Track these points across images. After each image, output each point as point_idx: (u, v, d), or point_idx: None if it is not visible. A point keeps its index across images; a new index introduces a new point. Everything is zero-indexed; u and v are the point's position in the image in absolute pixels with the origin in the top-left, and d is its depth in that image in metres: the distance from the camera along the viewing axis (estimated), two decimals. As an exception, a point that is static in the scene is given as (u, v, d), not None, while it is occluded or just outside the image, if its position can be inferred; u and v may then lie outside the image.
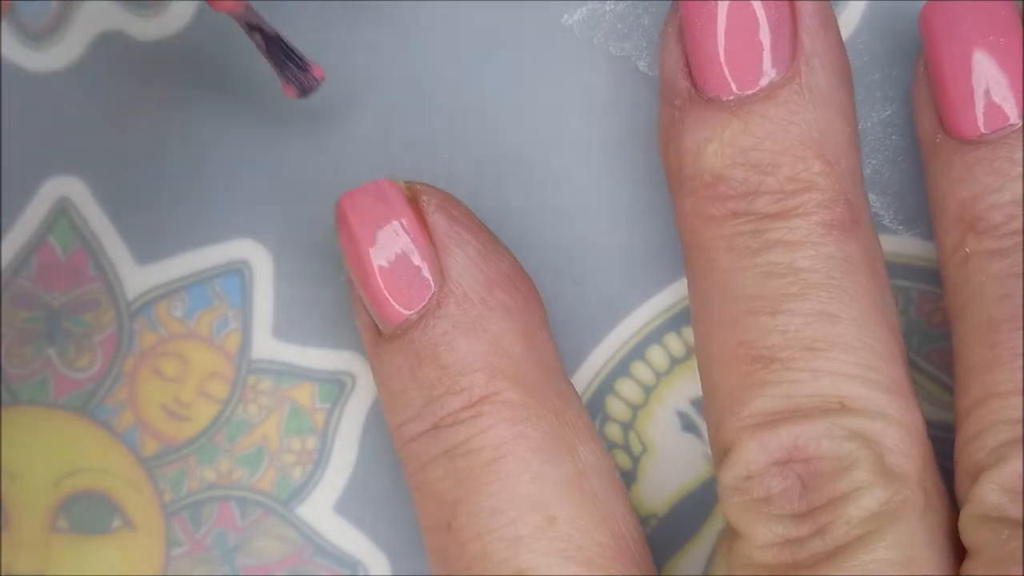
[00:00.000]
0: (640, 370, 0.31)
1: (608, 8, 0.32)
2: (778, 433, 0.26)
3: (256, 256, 0.32)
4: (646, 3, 0.32)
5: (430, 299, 0.28)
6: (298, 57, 0.29)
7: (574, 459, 0.28)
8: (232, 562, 0.31)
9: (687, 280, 0.28)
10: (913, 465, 0.27)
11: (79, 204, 0.32)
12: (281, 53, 0.29)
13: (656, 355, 0.32)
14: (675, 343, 0.31)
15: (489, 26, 0.32)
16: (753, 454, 0.26)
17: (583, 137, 0.32)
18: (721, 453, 0.27)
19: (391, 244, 0.28)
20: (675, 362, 0.32)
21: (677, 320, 0.32)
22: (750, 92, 0.27)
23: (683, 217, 0.28)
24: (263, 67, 0.32)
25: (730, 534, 0.27)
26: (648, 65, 0.32)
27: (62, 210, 0.32)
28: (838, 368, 0.27)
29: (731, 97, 0.27)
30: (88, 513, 0.31)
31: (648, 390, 0.31)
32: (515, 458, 0.27)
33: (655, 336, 0.32)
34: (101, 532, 0.31)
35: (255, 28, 0.28)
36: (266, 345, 0.32)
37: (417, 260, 0.28)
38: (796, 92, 0.28)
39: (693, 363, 0.31)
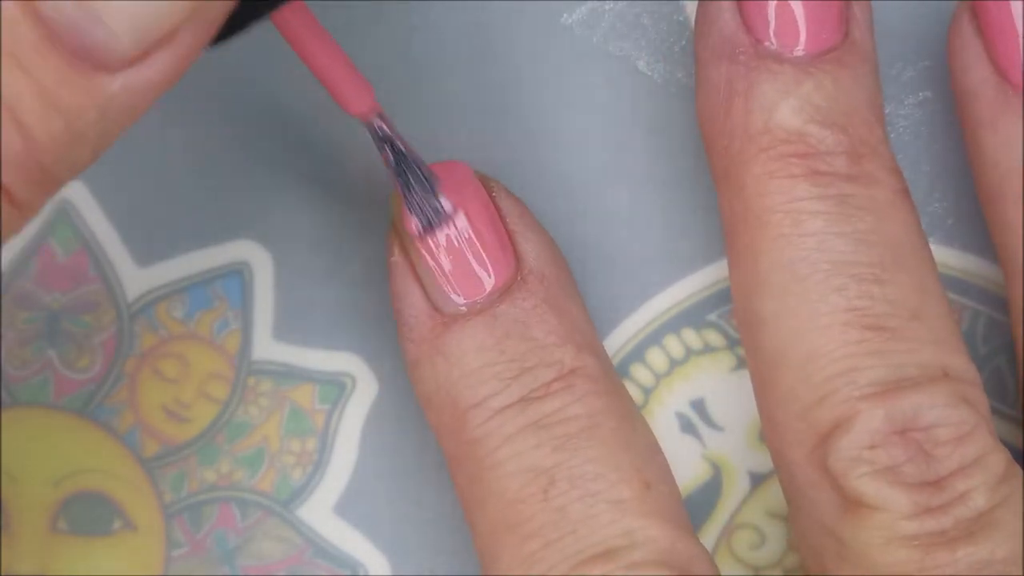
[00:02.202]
0: (639, 372, 0.31)
1: (608, 8, 0.32)
2: (902, 402, 0.26)
3: (256, 257, 0.32)
4: (645, 3, 0.32)
5: (512, 278, 0.28)
6: (429, 183, 0.28)
7: (647, 430, 0.28)
8: (232, 563, 0.31)
9: (749, 252, 0.28)
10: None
11: (80, 206, 0.32)
12: (409, 174, 0.28)
13: (656, 357, 0.32)
14: (675, 345, 0.32)
15: (489, 25, 0.32)
16: (879, 423, 0.26)
17: (582, 137, 0.32)
18: (830, 425, 0.27)
19: (482, 217, 0.28)
20: (675, 364, 0.32)
21: (677, 322, 0.32)
22: (802, 55, 0.27)
23: (752, 177, 0.28)
24: (263, 68, 0.32)
25: (848, 509, 0.26)
26: (647, 64, 0.32)
27: (63, 212, 0.32)
28: (938, 337, 0.27)
29: (801, 54, 0.27)
30: (88, 514, 0.31)
31: (647, 392, 0.31)
32: (608, 427, 0.27)
33: (655, 338, 0.32)
34: (101, 533, 0.31)
35: (386, 140, 0.27)
36: (266, 346, 0.32)
37: (503, 236, 0.28)
38: (860, 56, 0.28)
39: (693, 365, 0.32)
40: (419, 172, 0.28)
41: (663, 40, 0.32)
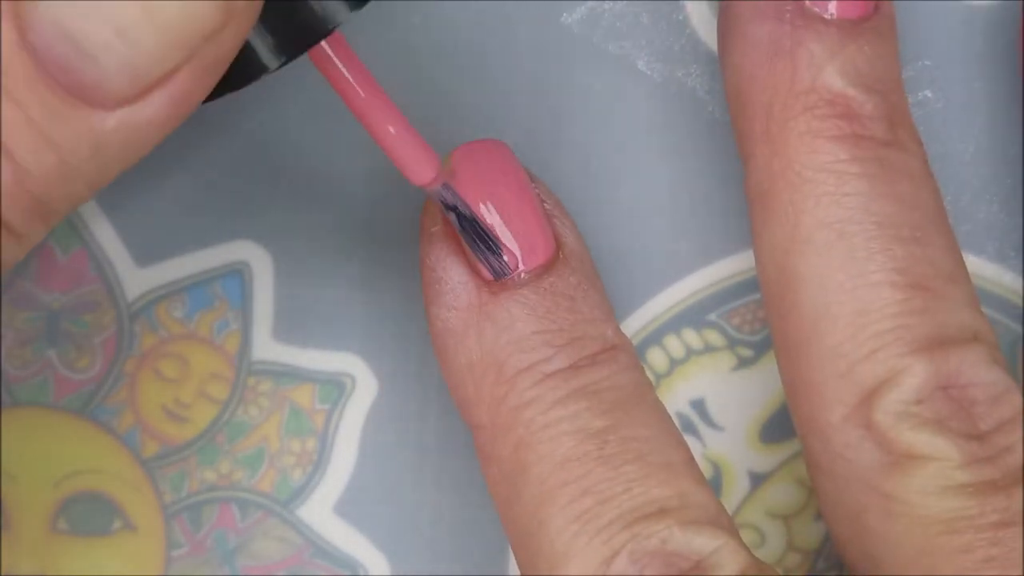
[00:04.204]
0: (639, 372, 0.31)
1: (607, 7, 0.32)
2: (947, 359, 0.27)
3: (256, 257, 0.32)
4: (645, 2, 0.32)
5: (555, 254, 0.28)
6: (492, 242, 0.28)
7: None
8: (232, 563, 0.31)
9: (787, 213, 0.28)
10: None
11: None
12: (475, 236, 0.28)
13: (656, 357, 0.32)
14: (675, 345, 0.32)
15: (488, 25, 0.32)
16: (926, 378, 0.27)
17: (581, 136, 0.32)
18: (878, 380, 0.27)
19: (528, 197, 0.29)
20: (675, 363, 0.32)
21: (677, 322, 0.32)
22: (850, 18, 0.28)
23: (796, 135, 0.28)
24: (262, 68, 0.32)
25: (896, 463, 0.27)
26: (647, 64, 0.32)
27: (62, 211, 0.32)
28: (970, 300, 0.28)
29: (852, 18, 0.28)
30: (88, 514, 0.31)
31: (647, 391, 0.31)
32: (652, 397, 0.28)
33: (655, 338, 0.32)
34: (101, 533, 0.32)
35: (451, 208, 0.28)
36: (266, 346, 0.32)
37: (543, 217, 0.29)
38: (891, 29, 0.28)
39: (693, 365, 0.32)
40: (484, 236, 0.28)
41: (663, 39, 0.32)
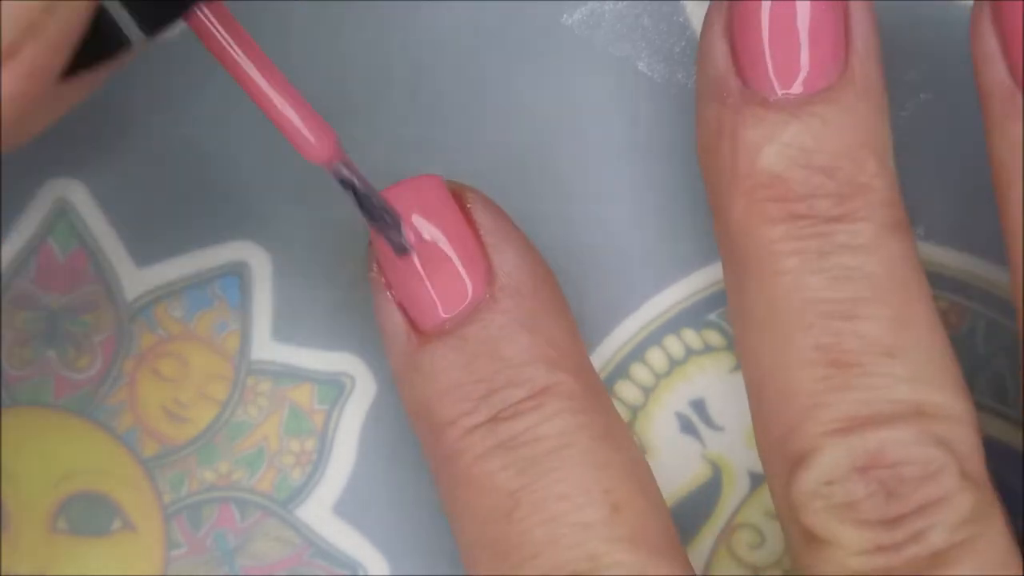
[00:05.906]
0: (639, 372, 0.31)
1: (608, 8, 0.32)
2: (865, 438, 0.26)
3: (255, 257, 0.32)
4: (645, 3, 0.32)
5: (483, 295, 0.28)
6: (391, 216, 0.27)
7: (628, 448, 0.28)
8: (232, 563, 0.31)
9: (735, 286, 0.28)
10: (983, 468, 0.27)
11: (79, 206, 0.32)
12: (374, 212, 0.27)
13: (655, 357, 0.32)
14: (674, 345, 0.32)
15: (489, 26, 0.32)
16: (839, 459, 0.26)
17: (582, 139, 0.32)
18: (795, 459, 0.27)
19: (450, 235, 0.28)
20: (674, 364, 0.32)
21: (676, 322, 0.32)
22: (799, 93, 0.27)
23: (735, 218, 0.28)
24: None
25: (806, 541, 0.27)
26: (648, 65, 0.32)
27: (62, 212, 0.32)
28: (915, 373, 0.27)
29: (780, 96, 0.27)
30: (88, 514, 0.31)
31: (647, 392, 0.31)
32: (579, 447, 0.27)
33: (654, 338, 0.32)
34: (101, 533, 0.31)
35: (348, 185, 0.27)
36: (265, 346, 0.32)
37: (473, 252, 0.28)
38: (852, 95, 0.28)
39: (692, 365, 0.32)
40: (382, 212, 0.27)
41: (663, 41, 0.32)
